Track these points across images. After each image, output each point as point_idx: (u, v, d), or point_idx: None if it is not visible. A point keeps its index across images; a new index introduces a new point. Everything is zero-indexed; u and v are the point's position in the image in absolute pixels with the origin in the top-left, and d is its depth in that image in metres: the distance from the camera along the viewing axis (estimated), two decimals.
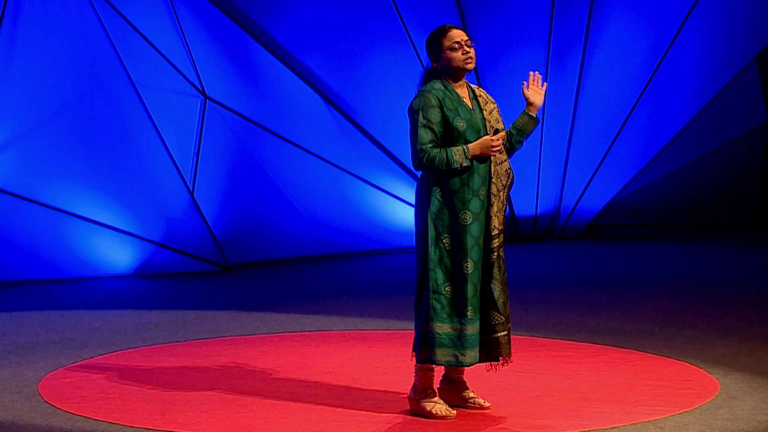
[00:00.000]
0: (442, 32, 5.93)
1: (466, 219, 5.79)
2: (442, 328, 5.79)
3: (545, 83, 6.12)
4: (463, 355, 5.80)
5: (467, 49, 5.90)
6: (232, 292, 11.01)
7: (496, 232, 5.86)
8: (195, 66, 12.99)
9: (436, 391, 5.98)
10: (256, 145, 13.42)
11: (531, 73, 6.08)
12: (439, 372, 6.06)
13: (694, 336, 8.11)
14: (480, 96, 6.02)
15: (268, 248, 13.32)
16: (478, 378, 6.69)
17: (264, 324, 9.01)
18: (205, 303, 10.28)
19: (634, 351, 7.60)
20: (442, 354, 5.79)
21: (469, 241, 5.78)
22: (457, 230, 5.79)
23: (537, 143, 15.04)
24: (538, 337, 8.21)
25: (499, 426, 5.74)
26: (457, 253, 5.79)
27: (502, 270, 5.89)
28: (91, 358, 7.65)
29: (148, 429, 5.75)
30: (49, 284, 11.65)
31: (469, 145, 5.81)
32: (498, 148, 5.81)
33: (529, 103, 6.01)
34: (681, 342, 7.88)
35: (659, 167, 16.69)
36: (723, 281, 11.25)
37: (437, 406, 5.89)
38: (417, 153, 5.79)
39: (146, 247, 12.25)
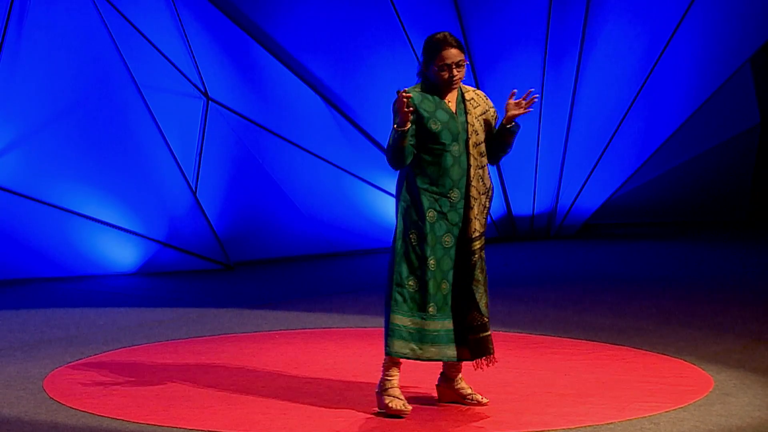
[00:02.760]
0: (437, 49, 5.90)
1: (432, 217, 5.84)
2: (402, 320, 5.83)
3: (534, 97, 6.04)
4: (421, 349, 5.83)
5: (456, 72, 5.89)
6: (234, 290, 11.03)
7: (476, 234, 5.89)
8: (197, 68, 13.02)
9: (398, 386, 5.97)
10: (257, 145, 13.44)
11: (527, 92, 6.01)
12: (422, 368, 6.09)
13: (689, 333, 8.14)
14: (470, 99, 6.01)
15: (270, 247, 13.32)
16: (475, 374, 6.78)
17: (265, 321, 9.04)
18: (207, 301, 10.28)
19: (629, 348, 7.63)
20: (399, 346, 5.83)
21: (432, 239, 5.83)
22: (425, 227, 5.83)
23: (534, 143, 15.10)
24: (534, 334, 8.24)
25: (496, 422, 5.79)
26: (422, 249, 5.83)
27: (483, 272, 5.94)
28: (95, 355, 7.66)
29: (152, 425, 5.78)
30: (53, 282, 11.64)
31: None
32: (401, 103, 5.69)
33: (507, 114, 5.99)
34: (675, 339, 7.90)
35: (654, 167, 16.70)
36: (717, 280, 11.26)
37: (395, 401, 5.89)
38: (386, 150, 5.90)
39: (149, 246, 12.26)
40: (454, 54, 5.90)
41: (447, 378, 6.13)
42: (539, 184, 15.24)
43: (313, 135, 13.73)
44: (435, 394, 6.22)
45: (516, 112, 5.96)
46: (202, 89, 13.09)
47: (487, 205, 5.99)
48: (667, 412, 5.91)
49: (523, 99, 5.97)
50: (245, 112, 13.37)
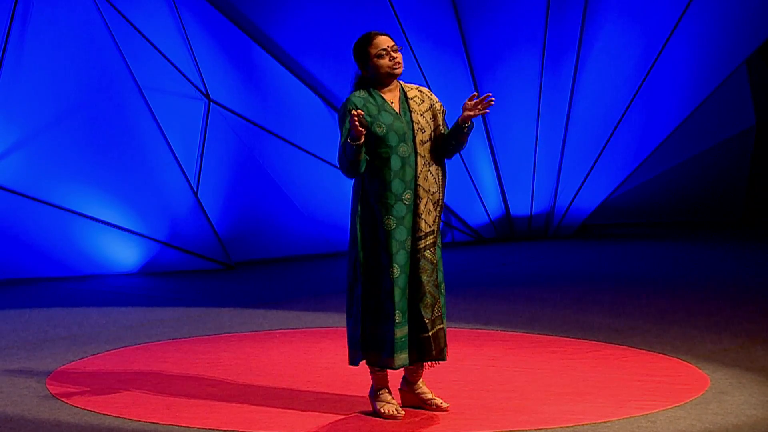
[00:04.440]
0: (368, 41, 5.86)
1: (389, 224, 5.75)
2: (375, 331, 5.80)
3: (491, 100, 5.88)
4: (391, 358, 5.78)
5: (394, 55, 5.83)
6: (235, 290, 11.06)
7: (421, 233, 5.81)
8: (199, 69, 13.07)
9: (390, 390, 5.99)
10: (258, 146, 13.48)
11: (485, 95, 5.87)
12: (396, 374, 6.08)
13: (685, 332, 8.15)
14: (413, 98, 5.92)
15: (270, 247, 13.37)
16: (474, 373, 6.81)
17: (266, 321, 9.07)
18: (208, 300, 10.32)
19: (626, 347, 7.64)
20: (374, 356, 5.81)
21: (395, 246, 5.75)
22: (383, 235, 5.77)
23: (532, 144, 15.15)
24: (532, 333, 8.27)
25: (494, 419, 5.81)
26: (384, 258, 5.77)
27: (426, 272, 5.82)
28: (97, 353, 7.71)
29: (154, 423, 5.80)
30: (57, 282, 11.71)
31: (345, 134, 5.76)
32: (355, 122, 5.59)
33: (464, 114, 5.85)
34: (672, 338, 7.91)
35: (651, 168, 16.75)
36: (713, 279, 11.26)
37: (387, 406, 5.90)
38: (338, 160, 5.82)
39: (151, 246, 12.32)
40: (386, 39, 5.86)
41: (408, 382, 6.07)
42: (537, 185, 15.29)
43: (313, 136, 13.77)
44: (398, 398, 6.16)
45: (472, 113, 5.82)
46: (204, 91, 13.14)
47: (439, 206, 5.90)
48: (663, 410, 5.93)
49: (482, 101, 5.83)
50: (246, 113, 13.42)
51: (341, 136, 5.79)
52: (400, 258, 5.77)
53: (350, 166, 5.75)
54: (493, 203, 15.27)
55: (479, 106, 5.84)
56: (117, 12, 12.43)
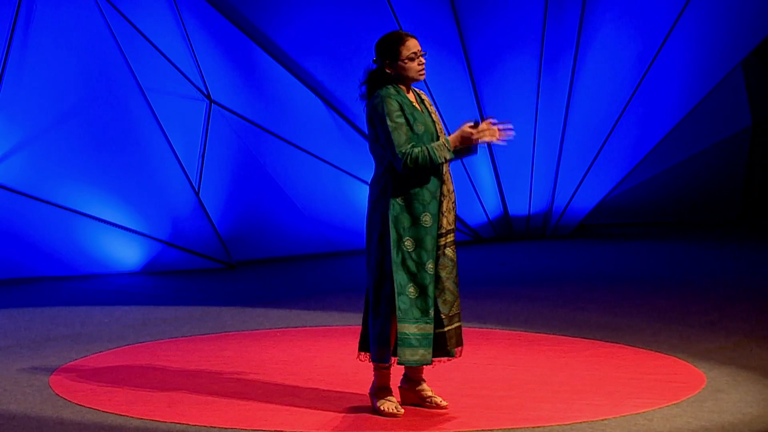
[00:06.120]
0: (400, 40, 5.87)
1: (427, 221, 5.80)
2: (409, 328, 5.78)
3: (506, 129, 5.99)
4: (428, 353, 5.80)
5: (422, 60, 5.88)
6: (236, 289, 11.08)
7: (443, 231, 5.86)
8: (200, 71, 13.09)
9: (391, 389, 6.03)
10: (259, 147, 13.50)
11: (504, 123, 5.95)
12: (398, 371, 6.11)
13: (682, 331, 8.17)
14: (425, 100, 6.00)
15: (271, 246, 13.36)
16: (472, 371, 6.88)
17: (267, 320, 9.09)
18: (210, 299, 10.35)
19: (623, 346, 7.66)
20: (411, 354, 5.78)
21: (430, 242, 5.80)
22: (420, 232, 5.80)
23: (530, 144, 15.19)
24: (530, 332, 8.30)
25: (492, 417, 5.84)
26: (420, 254, 5.79)
27: (446, 269, 5.87)
28: (100, 352, 7.74)
29: (155, 421, 5.83)
30: (59, 281, 11.70)
31: (449, 138, 5.81)
32: (476, 136, 5.76)
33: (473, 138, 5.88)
34: (669, 337, 7.94)
35: (648, 168, 16.75)
36: (709, 278, 11.26)
37: (387, 403, 5.93)
38: (398, 157, 5.71)
39: (153, 246, 12.33)
40: (417, 43, 5.90)
41: (410, 380, 6.10)
42: (535, 185, 15.32)
43: (313, 137, 13.78)
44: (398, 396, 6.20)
45: (480, 135, 5.89)
46: (205, 92, 13.16)
47: (455, 205, 5.98)
48: (660, 408, 5.97)
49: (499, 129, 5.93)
50: (247, 114, 13.44)
51: (392, 131, 5.70)
52: (434, 254, 5.82)
53: (422, 168, 5.73)
54: (491, 203, 15.31)
55: (495, 133, 5.89)
56: (119, 13, 12.45)
